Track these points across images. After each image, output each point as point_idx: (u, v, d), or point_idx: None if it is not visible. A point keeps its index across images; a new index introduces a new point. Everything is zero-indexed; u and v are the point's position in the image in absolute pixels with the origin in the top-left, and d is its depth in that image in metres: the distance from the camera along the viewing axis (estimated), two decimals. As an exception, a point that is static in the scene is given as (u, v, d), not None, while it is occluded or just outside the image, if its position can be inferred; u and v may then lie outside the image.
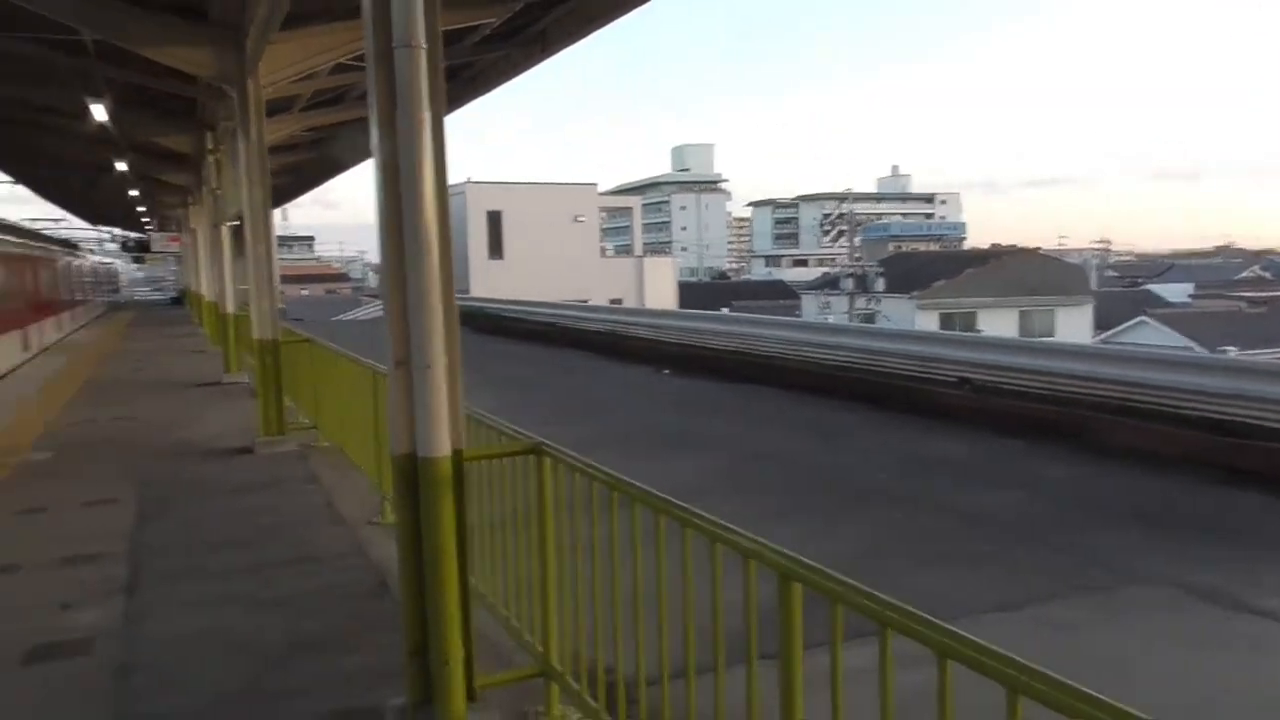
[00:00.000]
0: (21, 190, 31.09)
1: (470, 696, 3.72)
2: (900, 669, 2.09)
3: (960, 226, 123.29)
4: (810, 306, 51.77)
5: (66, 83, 13.52)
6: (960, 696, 1.94)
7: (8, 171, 26.35)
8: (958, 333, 27.78)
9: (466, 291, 38.82)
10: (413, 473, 3.65)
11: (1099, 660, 4.72)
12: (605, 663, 3.53)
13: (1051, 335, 39.40)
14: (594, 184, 53.33)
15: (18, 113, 16.71)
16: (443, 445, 3.60)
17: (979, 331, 35.23)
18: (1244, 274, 69.08)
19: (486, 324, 27.58)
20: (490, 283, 42.37)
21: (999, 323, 40.44)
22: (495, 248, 47.67)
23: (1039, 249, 54.79)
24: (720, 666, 2.71)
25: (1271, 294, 48.86)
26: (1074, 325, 42.04)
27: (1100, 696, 1.61)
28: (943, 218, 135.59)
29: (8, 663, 4.66)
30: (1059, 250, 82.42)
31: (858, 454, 9.90)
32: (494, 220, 47.42)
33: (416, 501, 3.66)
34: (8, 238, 22.76)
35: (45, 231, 37.90)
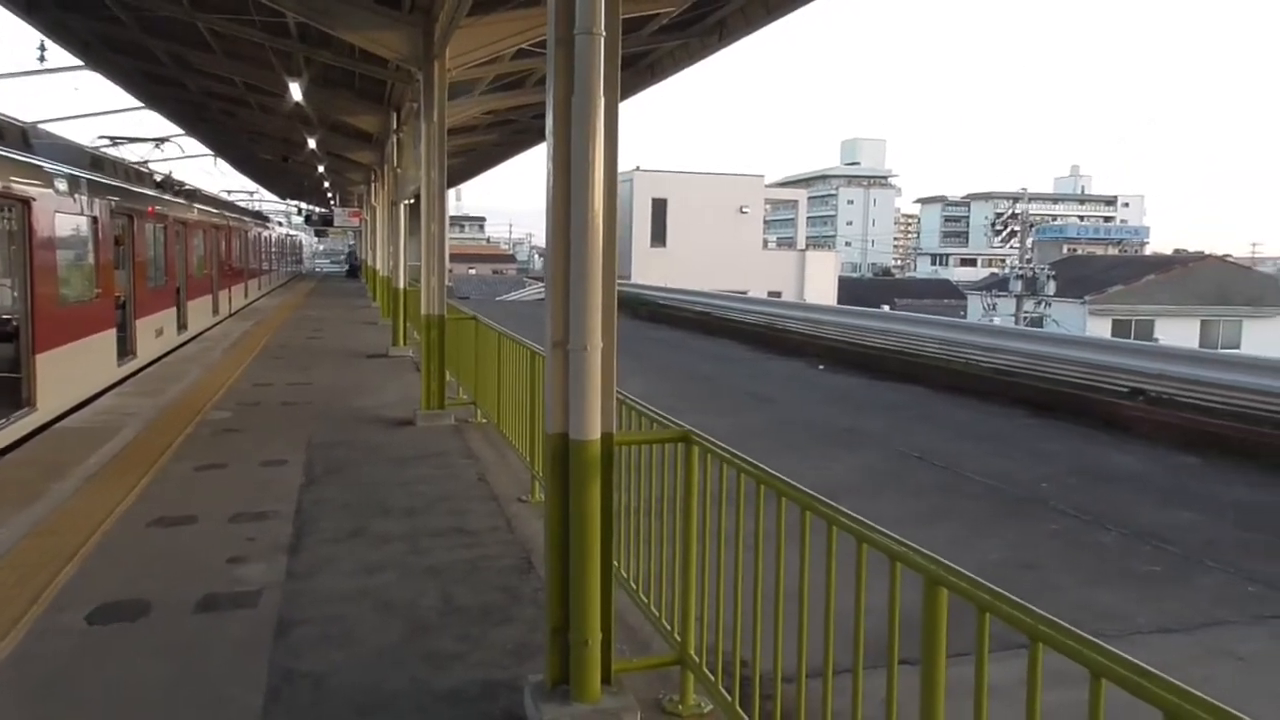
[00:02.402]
0: (222, 164, 33.17)
1: (606, 679, 3.78)
2: (1049, 686, 2.01)
3: (1143, 231, 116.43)
4: (975, 307, 50.03)
5: (269, 63, 14.38)
6: (1113, 717, 1.85)
7: (211, 145, 28.17)
8: (1132, 340, 26.33)
9: (627, 278, 39.30)
10: (564, 453, 3.72)
11: (1276, 694, 4.41)
12: (742, 656, 3.52)
13: (1238, 347, 36.87)
14: (761, 175, 53.01)
15: (224, 90, 17.87)
16: (594, 428, 3.66)
17: (1156, 340, 33.26)
18: None
19: (645, 311, 27.86)
20: (651, 270, 42.70)
21: (1179, 332, 38.05)
22: (658, 235, 47.96)
23: (1228, 256, 51.27)
24: (859, 668, 2.66)
25: None
26: (1263, 338, 39.16)
27: (1217, 703, 1.50)
28: (1124, 221, 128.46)
29: (180, 610, 5.00)
30: (1251, 259, 76.96)
31: (1018, 461, 9.53)
32: (659, 208, 47.71)
33: (566, 482, 3.73)
34: (206, 207, 24.37)
35: (239, 203, 40.43)
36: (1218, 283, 40.95)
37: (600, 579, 3.75)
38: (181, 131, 24.13)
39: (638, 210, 46.64)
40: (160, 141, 24.00)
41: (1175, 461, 9.50)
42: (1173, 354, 12.70)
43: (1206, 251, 54.90)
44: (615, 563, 4.11)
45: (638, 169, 48.11)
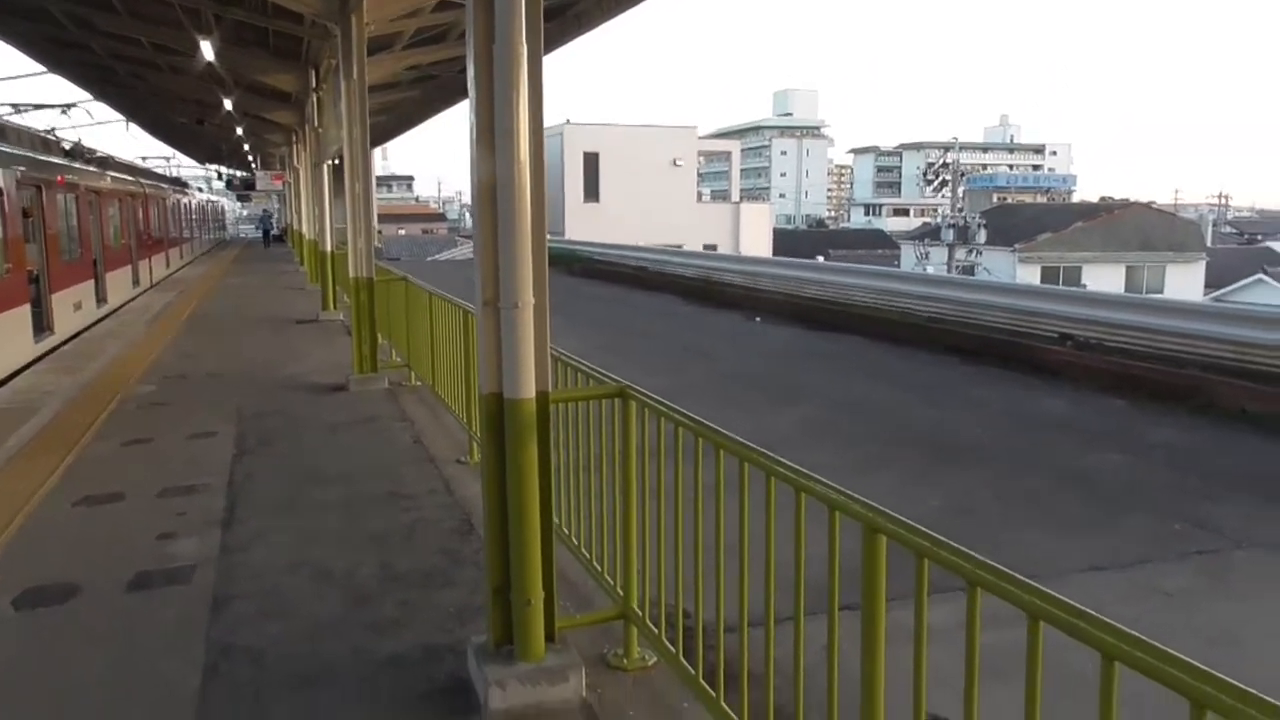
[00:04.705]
0: (135, 129, 32.06)
1: (550, 637, 3.76)
2: (987, 627, 2.02)
3: (1070, 179, 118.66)
4: (908, 257, 50.67)
5: (178, 22, 13.84)
6: (1049, 658, 1.86)
7: (120, 109, 27.18)
8: (1060, 287, 26.86)
9: (561, 234, 38.97)
10: (499, 413, 3.65)
11: (1204, 629, 4.54)
12: (685, 608, 3.52)
13: (1161, 292, 37.87)
14: (693, 127, 52.70)
15: (132, 52, 17.19)
16: (529, 386, 3.60)
17: (1083, 286, 34.02)
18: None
19: (580, 267, 27.69)
20: (585, 226, 42.38)
21: (1105, 278, 38.96)
22: (591, 190, 47.53)
23: (1152, 203, 52.45)
24: (800, 616, 2.66)
25: None
26: (1185, 282, 40.29)
27: (1205, 669, 1.51)
28: (1052, 170, 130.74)
29: (111, 590, 4.86)
30: (1175, 205, 78.89)
31: (953, 408, 9.67)
32: (590, 162, 47.23)
33: (502, 442, 3.67)
34: (120, 175, 23.58)
35: (156, 170, 39.20)
36: (1142, 229, 41.94)
37: (540, 537, 3.71)
38: (89, 96, 23.24)
39: (569, 165, 46.14)
40: (67, 108, 23.13)
41: (1103, 405, 9.71)
42: (1099, 299, 12.95)
43: (1131, 199, 56.02)
44: (556, 520, 4.08)
45: (568, 123, 47.55)
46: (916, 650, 2.21)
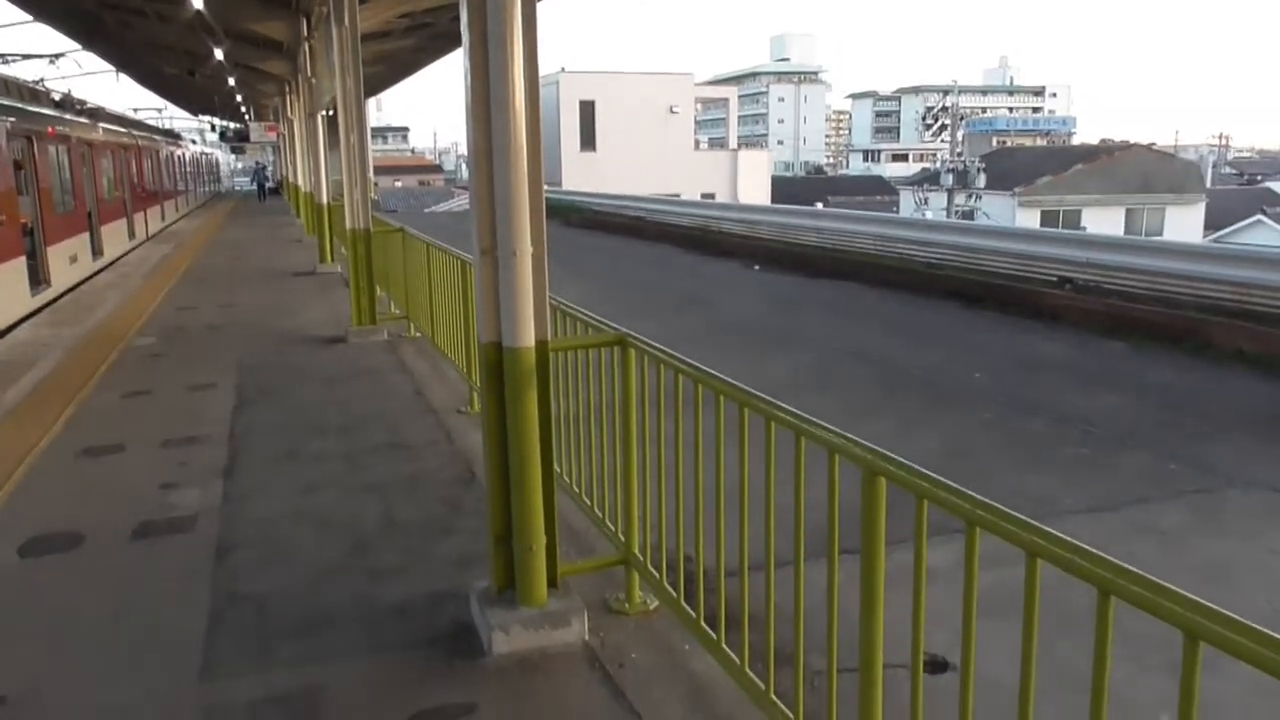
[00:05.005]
0: (126, 80, 31.66)
1: (552, 582, 3.79)
2: (985, 568, 2.03)
3: (1070, 121, 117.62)
4: (907, 203, 50.36)
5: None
6: (1046, 597, 1.88)
7: (110, 60, 26.81)
8: (1058, 230, 26.75)
9: (558, 184, 38.72)
10: (498, 362, 3.65)
11: (1198, 566, 4.59)
12: (686, 553, 3.55)
13: (1160, 234, 37.69)
14: (690, 74, 52.13)
15: (119, 0, 16.92)
16: (528, 335, 3.59)
17: (1082, 229, 33.86)
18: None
19: (578, 218, 27.55)
20: (582, 176, 42.10)
21: (1105, 221, 38.74)
22: (587, 139, 47.10)
23: (1152, 144, 52.00)
24: (800, 560, 2.68)
25: None
26: (1185, 224, 40.08)
27: (1198, 600, 1.53)
28: (1052, 111, 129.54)
29: (115, 538, 4.89)
30: (1174, 146, 78.25)
31: (952, 353, 9.68)
32: (586, 111, 46.74)
33: (502, 391, 3.67)
34: (113, 127, 23.34)
35: (148, 121, 38.80)
36: (1142, 171, 41.57)
37: (541, 484, 3.73)
38: (78, 47, 22.90)
39: (565, 114, 45.69)
40: (55, 58, 22.80)
41: (1102, 348, 9.73)
42: (1098, 242, 12.92)
43: (1132, 141, 55.51)
44: (557, 468, 4.10)
45: (563, 71, 46.99)
46: (916, 591, 2.23)
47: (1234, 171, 72.64)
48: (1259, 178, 64.13)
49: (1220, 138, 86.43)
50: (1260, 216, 36.62)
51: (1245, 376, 8.40)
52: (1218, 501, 5.52)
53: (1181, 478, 5.90)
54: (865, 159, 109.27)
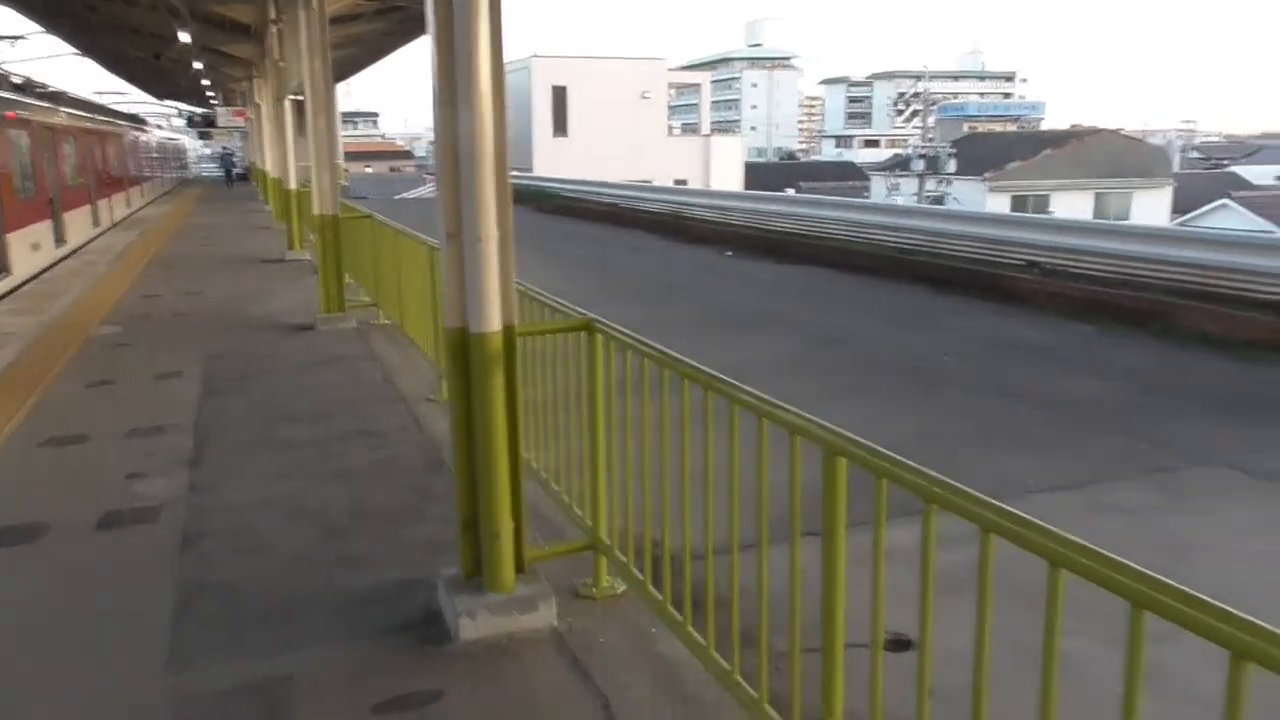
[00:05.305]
0: (90, 64, 31.17)
1: (520, 569, 3.80)
2: (947, 548, 2.06)
3: (1039, 106, 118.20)
4: (879, 188, 50.55)
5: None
6: (1006, 574, 1.91)
7: (73, 43, 26.39)
8: (1025, 214, 26.95)
9: (530, 170, 38.53)
10: (464, 347, 3.64)
11: (1159, 543, 4.66)
12: (653, 537, 3.56)
13: (1128, 218, 38.07)
14: (662, 59, 52.00)
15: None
16: (493, 320, 3.58)
17: (1050, 213, 34.12)
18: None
19: (551, 204, 27.43)
20: (554, 161, 41.93)
21: (1074, 205, 39.07)
22: (560, 125, 46.91)
23: (1120, 130, 52.40)
24: (764, 542, 2.70)
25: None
26: (1152, 208, 40.50)
27: (1145, 571, 1.57)
28: (1023, 97, 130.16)
29: (80, 529, 4.84)
30: (1143, 132, 78.84)
31: (925, 337, 9.74)
32: (558, 96, 46.54)
33: (469, 376, 3.66)
34: (76, 111, 22.99)
35: (113, 106, 38.25)
36: (1110, 156, 41.95)
37: (509, 471, 3.73)
38: (40, 29, 22.52)
39: (537, 99, 45.48)
40: (15, 40, 22.41)
41: (1070, 330, 9.82)
42: (1064, 226, 13.02)
43: (1101, 126, 55.90)
44: (526, 455, 4.09)
45: (535, 55, 46.70)
46: (875, 569, 2.25)
47: (1201, 156, 73.35)
48: (1225, 162, 64.80)
49: (1187, 123, 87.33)
50: (1225, 200, 37.02)
51: (1209, 358, 8.51)
52: (1179, 479, 5.60)
53: (1146, 457, 5.98)
54: (837, 145, 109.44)
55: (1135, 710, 1.59)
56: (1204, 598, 1.46)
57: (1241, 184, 46.99)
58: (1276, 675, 1.37)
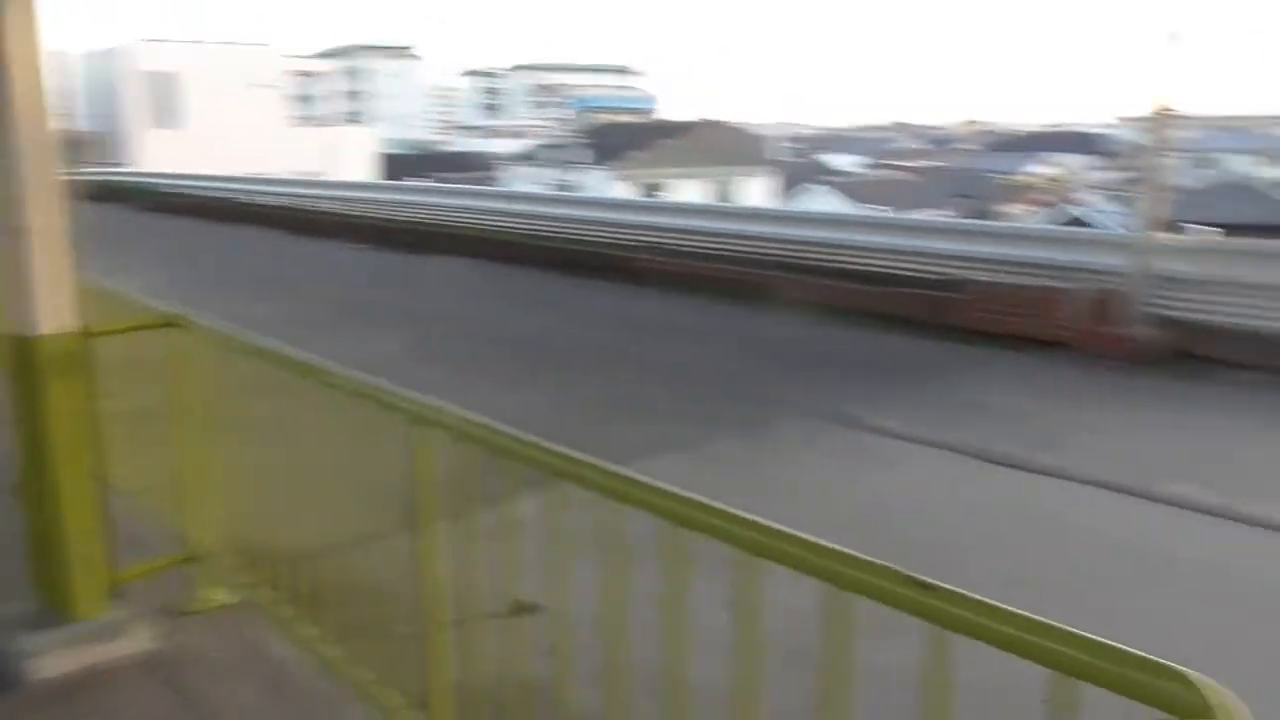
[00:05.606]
0: None
1: (111, 593, 3.44)
2: (571, 518, 2.10)
3: (651, 99, 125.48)
4: (513, 178, 51.38)
5: None
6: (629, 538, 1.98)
7: None
8: (640, 198, 28.64)
9: (130, 165, 35.17)
10: (21, 353, 3.24)
11: (752, 483, 5.17)
12: (263, 540, 3.37)
13: (734, 200, 41.65)
14: (278, 46, 49.51)
15: None
16: (52, 320, 3.21)
17: (657, 196, 36.48)
18: (911, 147, 75.50)
19: (150, 201, 24.96)
20: (162, 155, 38.57)
21: (691, 189, 42.07)
22: (169, 115, 43.26)
23: (726, 122, 56.92)
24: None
25: (930, 164, 54.14)
26: (755, 190, 44.94)
27: (707, 501, 1.72)
28: (641, 90, 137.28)
29: None
30: (748, 124, 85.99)
31: (554, 317, 10.06)
32: (161, 84, 42.87)
33: (34, 386, 3.26)
34: None
35: None
36: (716, 145, 45.76)
37: (89, 490, 3.36)
38: None
39: (133, 87, 41.63)
40: None
41: (685, 304, 10.52)
42: (681, 209, 13.98)
43: (712, 118, 60.40)
44: (112, 469, 3.71)
45: (138, 41, 42.70)
46: (471, 541, 2.26)
47: (796, 146, 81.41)
48: (815, 153, 72.65)
49: (787, 116, 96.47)
50: (807, 185, 41.89)
51: (804, 324, 9.46)
52: (776, 431, 6.21)
53: (752, 414, 6.57)
54: (473, 135, 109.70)
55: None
56: (737, 512, 1.62)
57: (827, 170, 53.25)
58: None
